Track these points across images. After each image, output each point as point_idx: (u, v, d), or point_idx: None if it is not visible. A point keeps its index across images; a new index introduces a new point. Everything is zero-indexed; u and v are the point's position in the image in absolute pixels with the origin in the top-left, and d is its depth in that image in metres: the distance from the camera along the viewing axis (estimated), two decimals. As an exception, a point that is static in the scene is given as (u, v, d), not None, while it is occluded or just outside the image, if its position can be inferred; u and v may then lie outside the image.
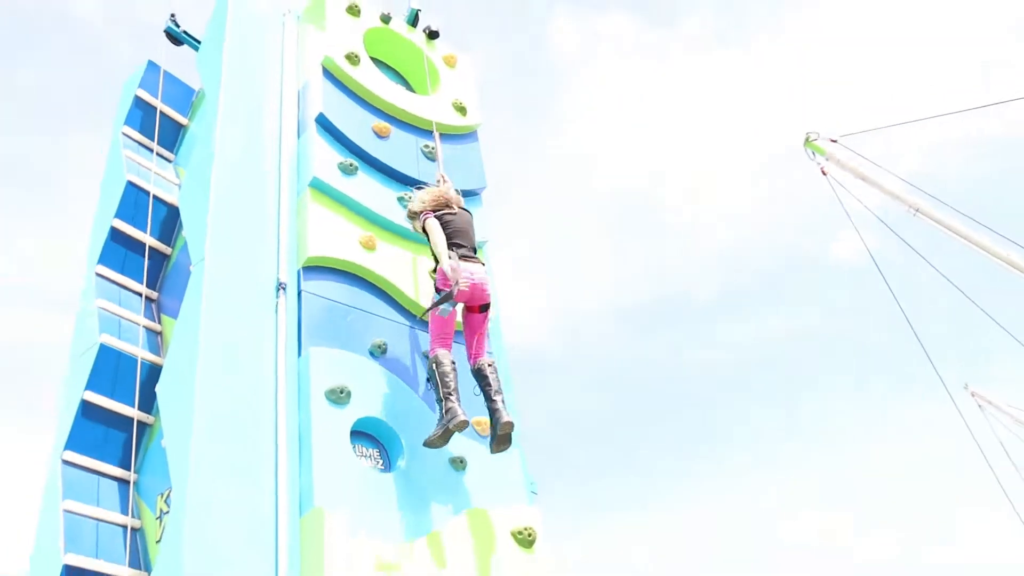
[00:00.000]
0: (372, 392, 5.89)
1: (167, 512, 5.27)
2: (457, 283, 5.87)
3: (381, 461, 5.78)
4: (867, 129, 9.78)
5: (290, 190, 6.69)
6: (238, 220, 6.31)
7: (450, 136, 7.76)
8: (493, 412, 5.87)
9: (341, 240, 6.51)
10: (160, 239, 7.05)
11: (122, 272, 6.81)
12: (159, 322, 6.68)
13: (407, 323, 6.51)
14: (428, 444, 5.66)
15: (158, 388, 5.81)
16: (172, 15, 8.37)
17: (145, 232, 6.94)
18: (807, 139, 9.36)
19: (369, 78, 7.56)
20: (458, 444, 5.90)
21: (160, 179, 7.34)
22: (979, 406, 14.60)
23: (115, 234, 6.89)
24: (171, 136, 7.87)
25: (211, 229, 6.11)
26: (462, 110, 8.00)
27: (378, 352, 6.16)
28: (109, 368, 6.17)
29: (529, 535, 5.73)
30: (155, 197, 7.12)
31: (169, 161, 7.72)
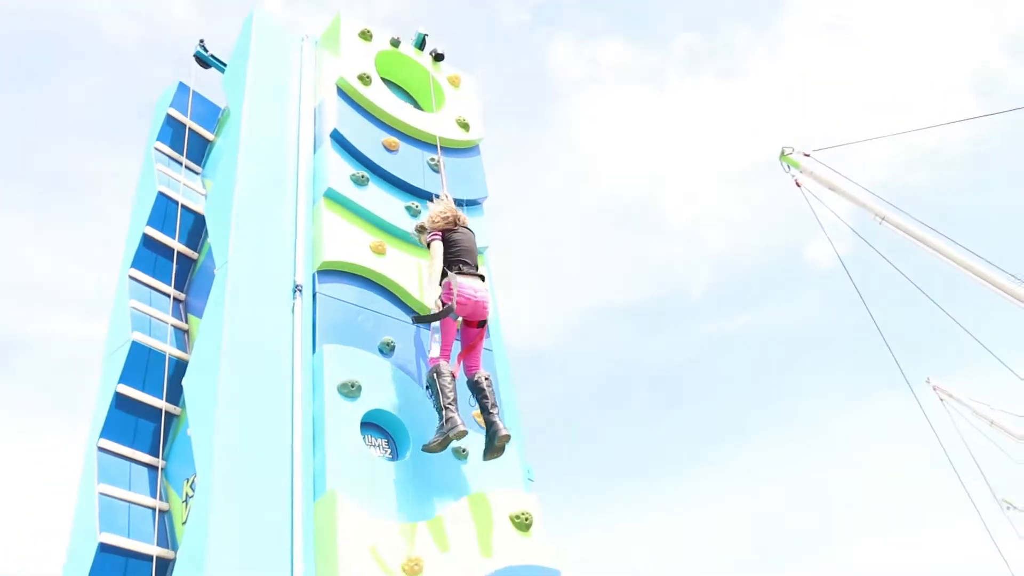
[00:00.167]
0: (381, 386, 5.85)
1: (192, 496, 5.24)
2: (452, 307, 5.78)
3: (389, 450, 5.75)
4: (838, 144, 9.74)
5: (306, 200, 6.66)
6: (259, 227, 6.28)
7: (454, 150, 7.73)
8: (491, 424, 5.72)
9: (353, 246, 6.48)
10: (188, 245, 7.03)
11: (153, 275, 6.79)
12: (186, 321, 6.65)
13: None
14: (427, 450, 5.53)
15: (184, 381, 5.79)
16: (201, 41, 8.36)
17: (174, 238, 6.92)
18: (782, 153, 9.31)
19: (380, 97, 7.53)
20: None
21: (188, 190, 7.31)
22: (940, 399, 14.51)
23: (147, 240, 6.87)
24: (199, 150, 7.84)
25: (234, 235, 6.09)
26: (465, 126, 7.97)
27: (387, 350, 6.13)
28: (140, 363, 6.15)
29: (526, 519, 5.68)
30: (183, 206, 7.10)
31: (197, 173, 7.70)
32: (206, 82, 8.25)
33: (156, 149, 7.53)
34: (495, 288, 7.23)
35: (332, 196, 6.63)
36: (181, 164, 7.54)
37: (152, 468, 5.96)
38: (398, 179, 7.09)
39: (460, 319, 5.97)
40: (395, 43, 8.20)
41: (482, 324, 6.10)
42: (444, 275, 6.05)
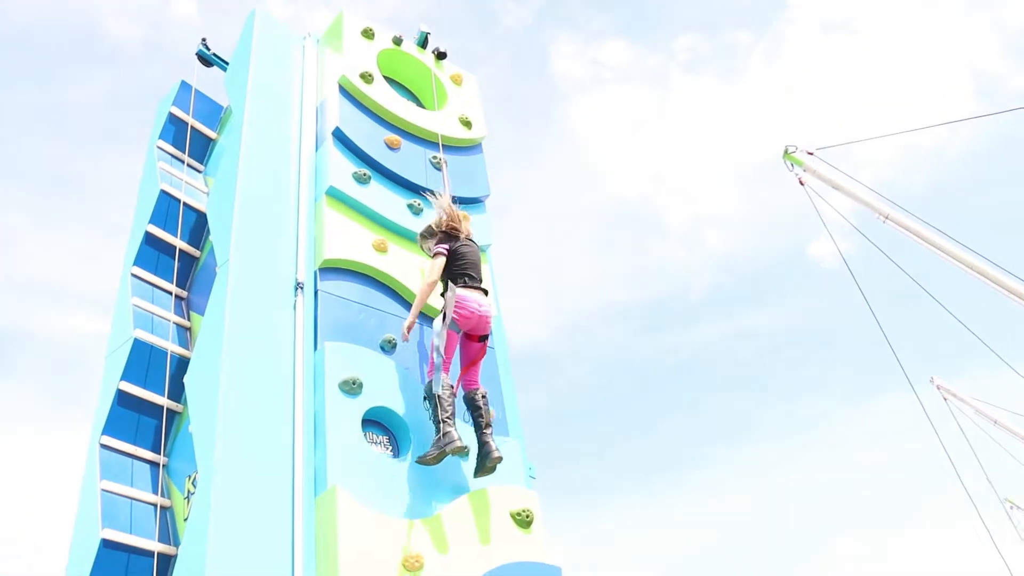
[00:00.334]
0: (382, 384, 5.85)
1: (194, 493, 5.25)
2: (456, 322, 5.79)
3: (390, 447, 5.75)
4: (842, 143, 9.73)
5: (308, 197, 6.66)
6: (260, 225, 6.29)
7: (456, 148, 7.74)
8: (483, 444, 5.69)
9: (355, 243, 6.48)
10: (190, 243, 7.05)
11: (155, 273, 6.81)
12: (188, 318, 6.66)
13: (416, 321, 6.46)
14: (422, 462, 5.48)
15: (186, 379, 5.80)
16: (203, 39, 8.38)
17: (176, 236, 6.94)
18: (786, 151, 9.30)
19: (382, 95, 7.54)
20: (463, 433, 5.84)
21: (191, 188, 7.33)
22: (944, 398, 14.48)
23: (149, 238, 6.90)
24: (201, 149, 7.86)
25: (236, 233, 6.09)
26: (467, 124, 7.97)
27: (388, 347, 6.13)
28: (142, 360, 6.17)
29: (527, 516, 5.69)
30: (186, 204, 7.12)
31: (199, 172, 7.72)
32: (208, 81, 8.28)
33: (158, 147, 7.56)
34: (497, 286, 7.24)
35: (334, 194, 6.64)
36: (183, 162, 7.56)
37: (154, 465, 5.98)
38: (400, 177, 7.09)
39: (461, 332, 5.92)
40: (397, 41, 8.20)
41: (483, 339, 6.05)
42: (445, 288, 6.01)
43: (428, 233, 6.45)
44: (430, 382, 5.64)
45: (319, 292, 6.13)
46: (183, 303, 6.82)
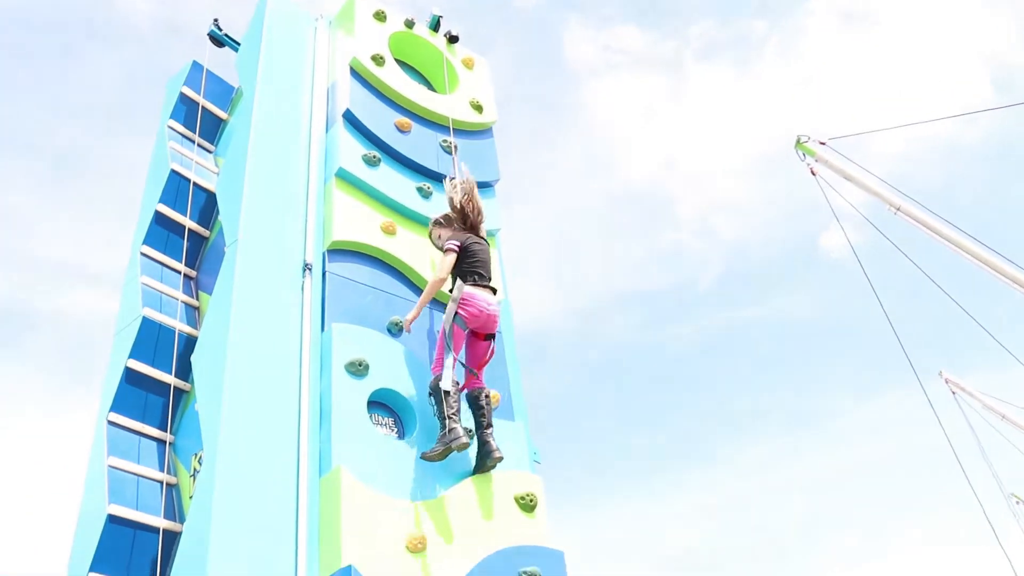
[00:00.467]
0: (389, 366, 5.85)
1: (200, 471, 5.26)
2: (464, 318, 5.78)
3: (396, 429, 5.76)
4: (854, 133, 9.67)
5: (318, 179, 6.66)
6: (269, 205, 6.28)
7: (467, 132, 7.71)
8: (484, 444, 5.67)
9: (364, 226, 6.47)
10: (199, 222, 7.05)
11: (164, 252, 6.81)
12: (196, 298, 6.68)
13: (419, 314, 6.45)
14: (426, 458, 5.44)
15: (193, 357, 5.82)
16: (215, 20, 8.37)
17: (186, 216, 6.95)
18: (798, 141, 9.24)
19: (393, 78, 7.51)
20: (467, 417, 5.84)
21: (201, 168, 7.33)
22: (952, 392, 14.43)
23: (159, 217, 6.90)
24: (212, 129, 7.86)
25: (245, 213, 6.09)
26: (478, 108, 7.95)
27: (395, 329, 6.13)
28: (150, 339, 6.18)
29: (531, 500, 5.69)
30: (195, 184, 7.12)
31: (209, 152, 7.71)
32: (220, 61, 8.27)
33: (169, 127, 7.56)
34: (505, 270, 7.23)
35: (343, 176, 6.63)
36: (194, 142, 7.56)
37: (161, 443, 6.00)
38: (410, 160, 7.07)
39: (468, 330, 5.88)
40: (409, 24, 8.17)
41: (489, 337, 6.01)
42: (453, 284, 5.98)
43: (443, 222, 6.40)
44: (436, 377, 5.61)
45: (327, 273, 6.13)
46: (192, 283, 6.83)
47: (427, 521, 5.20)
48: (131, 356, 6.08)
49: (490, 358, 6.02)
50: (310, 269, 6.04)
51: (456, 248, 6.04)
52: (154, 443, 6.00)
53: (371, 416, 5.59)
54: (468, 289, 5.89)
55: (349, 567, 4.72)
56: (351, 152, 6.78)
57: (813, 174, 9.45)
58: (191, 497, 5.40)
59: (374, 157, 6.85)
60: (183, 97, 7.75)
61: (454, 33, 8.38)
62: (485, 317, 5.87)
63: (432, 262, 6.59)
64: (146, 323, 6.17)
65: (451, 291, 5.94)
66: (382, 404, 5.76)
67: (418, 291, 6.46)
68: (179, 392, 6.13)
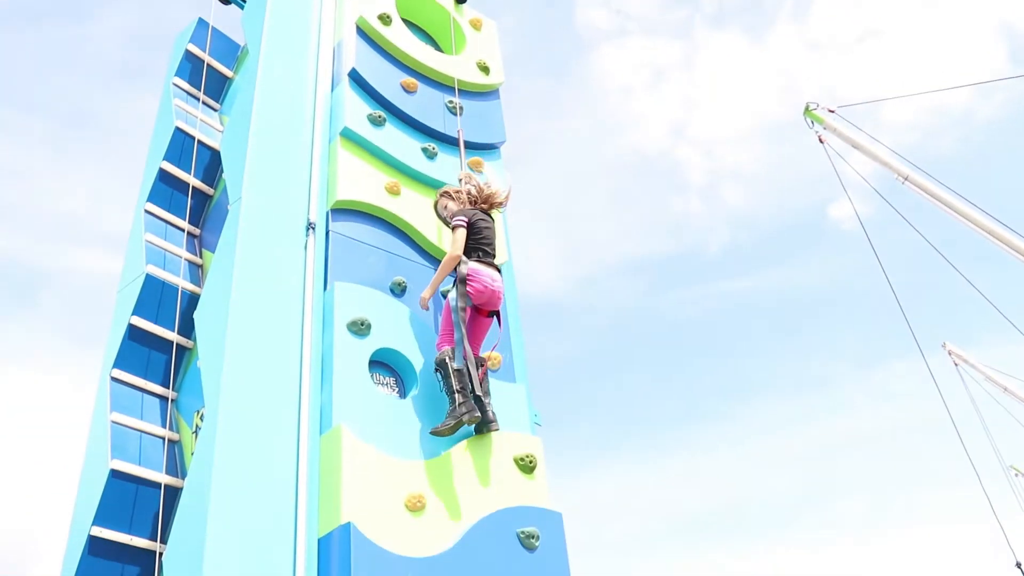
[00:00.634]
0: (391, 326, 5.80)
1: (202, 428, 5.25)
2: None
3: (396, 389, 5.72)
4: (864, 101, 9.53)
5: (322, 138, 6.56)
6: (274, 164, 6.20)
7: (473, 93, 7.59)
8: (482, 413, 5.57)
9: (368, 185, 6.39)
10: (204, 181, 6.99)
11: (168, 210, 6.76)
12: (200, 256, 6.63)
13: (426, 264, 6.41)
14: (436, 433, 5.37)
15: (196, 315, 5.78)
16: (223, -23, 8.23)
17: (190, 174, 6.88)
18: (807, 108, 9.12)
19: (399, 37, 7.39)
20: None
21: (206, 126, 7.25)
22: (955, 364, 14.37)
23: (163, 175, 6.83)
24: (217, 87, 7.76)
25: (248, 171, 6.01)
26: (485, 69, 7.82)
27: (398, 290, 6.07)
28: (154, 296, 6.15)
29: (530, 462, 5.66)
30: (200, 142, 7.05)
31: (215, 110, 7.63)
32: (226, 19, 8.15)
33: (174, 85, 7.47)
34: (509, 232, 7.16)
35: (348, 135, 6.54)
36: (199, 100, 7.47)
37: (163, 399, 5.99)
38: (416, 120, 6.97)
39: (472, 306, 5.79)
40: (417, -16, 8.03)
41: (491, 315, 5.96)
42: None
43: (452, 195, 6.33)
44: (442, 352, 5.55)
45: (330, 233, 6.06)
46: (196, 240, 6.78)
47: (426, 480, 5.18)
48: (134, 313, 6.05)
49: (497, 344, 5.97)
50: (313, 228, 5.97)
51: (464, 224, 5.98)
52: (157, 400, 5.99)
53: (372, 375, 5.55)
54: (473, 265, 5.84)
55: (348, 524, 4.70)
56: (356, 112, 6.69)
57: (821, 142, 9.33)
58: (193, 454, 5.39)
59: (379, 117, 6.75)
60: (189, 55, 7.65)
61: (463, -6, 8.24)
62: (489, 293, 5.82)
63: (438, 226, 6.53)
64: (149, 280, 6.13)
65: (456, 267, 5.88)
66: (383, 364, 5.72)
67: (422, 251, 6.41)
68: (182, 349, 6.10)
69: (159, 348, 6.08)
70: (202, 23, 7.86)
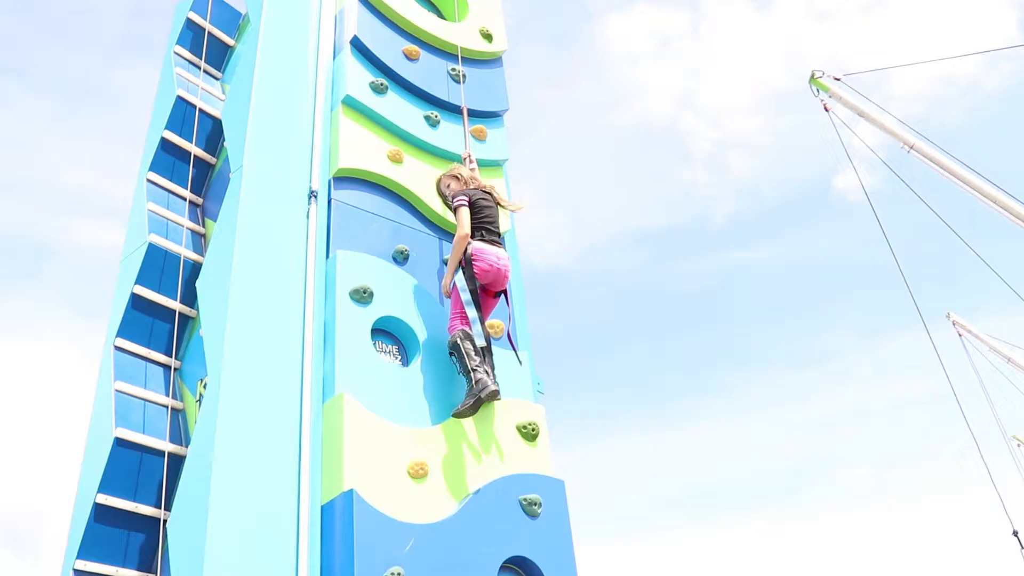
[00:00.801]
0: (393, 294, 5.74)
1: (205, 396, 5.21)
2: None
3: (399, 357, 5.68)
4: (869, 69, 9.39)
5: (324, 106, 6.46)
6: (275, 132, 6.11)
7: (476, 61, 7.47)
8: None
9: (370, 153, 6.30)
10: (206, 149, 6.90)
11: (171, 179, 6.67)
12: (202, 224, 6.56)
13: (429, 232, 6.34)
14: (457, 415, 5.32)
15: (198, 283, 5.72)
16: (223, -56, 8.09)
17: (192, 143, 6.80)
18: (812, 76, 9.00)
19: (401, 4, 7.25)
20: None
21: (207, 95, 7.15)
22: (959, 334, 14.32)
23: (165, 144, 6.75)
24: (219, 55, 7.65)
25: (250, 140, 5.93)
26: (488, 37, 7.69)
27: (400, 258, 6.01)
28: (156, 265, 6.09)
29: (533, 429, 5.62)
30: (202, 111, 6.95)
31: (216, 79, 7.52)
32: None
33: (176, 53, 7.35)
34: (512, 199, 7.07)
35: (350, 103, 6.44)
36: (200, 69, 7.37)
37: (167, 368, 5.95)
38: (418, 88, 6.86)
39: (478, 286, 5.73)
40: (419, -50, 7.88)
41: (498, 295, 5.91)
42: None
43: (454, 176, 6.27)
44: (453, 335, 5.49)
45: (332, 201, 5.98)
46: (198, 209, 6.71)
47: (428, 448, 5.14)
48: (137, 282, 5.99)
49: (509, 322, 5.91)
50: (315, 196, 5.90)
51: (466, 202, 5.93)
52: (160, 368, 5.95)
53: (374, 343, 5.50)
54: (477, 244, 5.78)
55: (351, 491, 4.67)
56: (358, 79, 6.59)
57: (826, 110, 9.22)
58: (196, 422, 5.36)
59: (381, 84, 6.66)
60: (190, 23, 7.53)
61: (465, -40, 8.09)
62: (495, 272, 5.77)
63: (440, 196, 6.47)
64: (152, 249, 6.07)
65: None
66: (386, 332, 5.66)
67: (424, 219, 6.35)
68: (185, 318, 6.05)
69: (162, 317, 6.03)
70: (203, -9, 7.73)
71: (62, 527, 5.38)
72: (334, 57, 6.82)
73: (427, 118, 6.77)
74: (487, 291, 5.86)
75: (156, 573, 5.18)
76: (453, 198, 6.07)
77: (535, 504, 5.23)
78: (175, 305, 6.00)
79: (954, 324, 14.12)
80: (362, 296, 5.52)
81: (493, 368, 5.60)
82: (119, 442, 5.33)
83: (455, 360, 5.50)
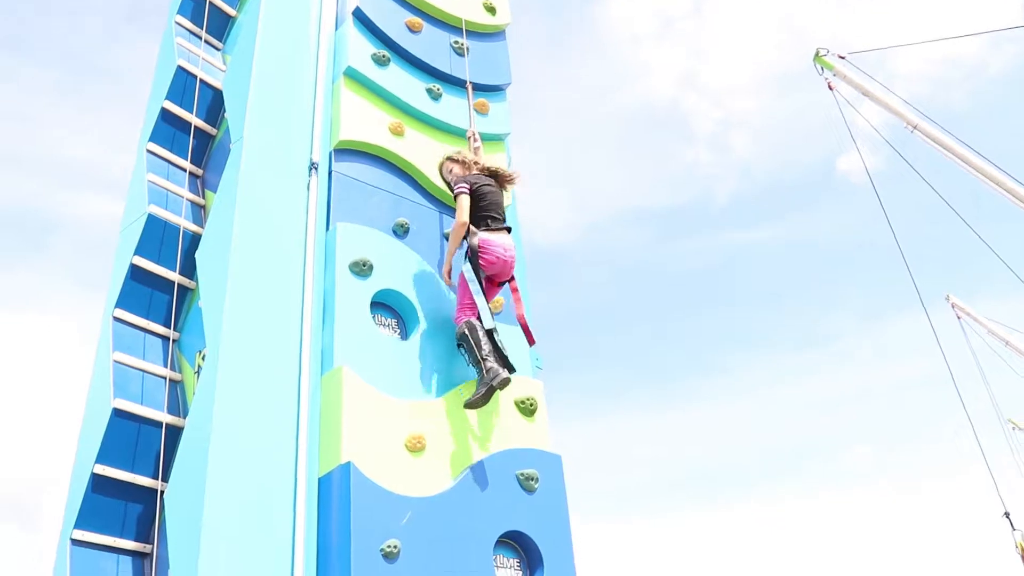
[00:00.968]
0: (393, 267, 5.68)
1: (203, 368, 5.17)
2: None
3: (398, 330, 5.62)
4: (874, 48, 9.27)
5: (326, 78, 6.36)
6: (276, 103, 6.02)
7: (479, 34, 7.35)
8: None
9: (371, 126, 6.21)
10: (206, 120, 6.80)
11: (171, 150, 6.58)
12: (203, 196, 6.48)
13: (429, 206, 6.26)
14: (470, 406, 5.22)
15: (197, 255, 5.66)
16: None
17: (192, 113, 6.70)
18: (817, 54, 8.88)
19: (404, -24, 7.15)
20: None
21: (208, 65, 7.04)
22: (958, 317, 14.25)
23: (165, 114, 6.65)
24: (220, 26, 7.52)
25: (251, 111, 5.84)
26: (491, 10, 7.57)
27: (400, 231, 5.93)
28: (156, 236, 6.01)
29: (531, 404, 5.58)
30: (203, 81, 6.84)
31: (217, 49, 7.41)
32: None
33: (176, 23, 7.24)
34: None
35: (352, 75, 6.34)
36: (201, 39, 7.26)
37: (165, 339, 5.90)
38: (420, 60, 6.76)
39: (484, 275, 5.63)
40: (423, -79, 7.74)
41: (503, 284, 5.81)
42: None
43: (457, 159, 6.14)
44: (461, 326, 5.39)
45: (333, 173, 5.90)
46: (198, 181, 6.62)
47: (426, 421, 5.10)
48: (136, 253, 5.92)
49: (520, 308, 5.80)
50: (316, 168, 5.82)
51: (467, 190, 5.81)
52: (159, 340, 5.89)
53: (374, 316, 5.44)
54: (483, 235, 5.67)
55: (348, 464, 4.64)
56: (360, 51, 6.49)
57: (830, 88, 9.11)
58: (194, 393, 5.31)
59: (383, 56, 6.55)
60: (191, -8, 7.42)
61: (468, -68, 7.94)
62: (501, 264, 5.68)
63: (440, 167, 6.37)
64: (151, 220, 6.00)
65: (466, 237, 5.72)
66: (385, 305, 5.60)
67: (425, 193, 6.26)
68: (184, 289, 5.99)
69: (161, 288, 5.96)
70: (205, -39, 7.60)
71: (61, 498, 5.35)
72: (336, 28, 6.71)
73: (429, 91, 6.67)
74: (492, 281, 5.76)
75: (153, 543, 5.15)
76: (455, 184, 5.96)
77: (532, 479, 5.19)
78: (174, 276, 5.93)
79: (953, 306, 14.06)
80: (362, 269, 5.45)
81: (504, 349, 5.46)
82: (117, 413, 5.28)
83: (464, 351, 5.41)
